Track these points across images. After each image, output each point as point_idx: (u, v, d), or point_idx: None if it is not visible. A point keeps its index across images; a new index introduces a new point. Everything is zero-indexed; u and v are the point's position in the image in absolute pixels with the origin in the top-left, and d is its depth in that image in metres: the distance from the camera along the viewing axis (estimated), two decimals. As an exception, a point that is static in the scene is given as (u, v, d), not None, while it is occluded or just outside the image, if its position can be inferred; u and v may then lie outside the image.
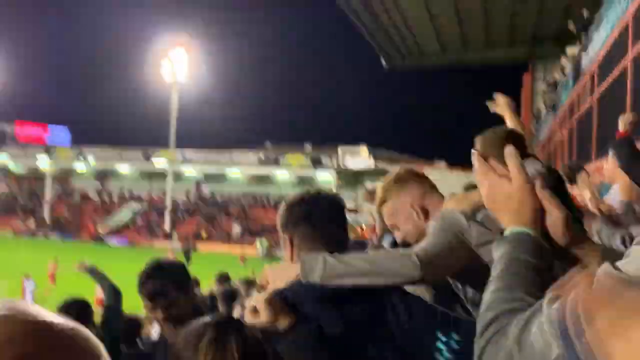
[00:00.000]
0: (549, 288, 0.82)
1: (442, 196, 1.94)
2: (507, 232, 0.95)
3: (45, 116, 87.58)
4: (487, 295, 0.88)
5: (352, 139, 53.29)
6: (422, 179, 1.94)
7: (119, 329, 3.59)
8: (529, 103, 27.75)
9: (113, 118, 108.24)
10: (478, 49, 28.12)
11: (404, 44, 27.74)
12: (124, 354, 3.47)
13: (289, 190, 51.11)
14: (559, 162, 16.37)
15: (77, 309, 3.44)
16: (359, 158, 45.70)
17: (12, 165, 58.14)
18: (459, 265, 1.65)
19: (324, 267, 1.46)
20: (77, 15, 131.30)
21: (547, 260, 0.93)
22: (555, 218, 0.95)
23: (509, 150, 0.97)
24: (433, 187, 1.94)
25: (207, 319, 1.24)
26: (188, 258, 27.41)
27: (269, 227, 47.57)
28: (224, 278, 7.04)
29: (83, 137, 65.57)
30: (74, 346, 0.49)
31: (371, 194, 47.82)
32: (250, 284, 6.50)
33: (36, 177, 57.64)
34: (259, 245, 42.33)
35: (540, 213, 0.95)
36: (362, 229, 37.89)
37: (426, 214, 1.83)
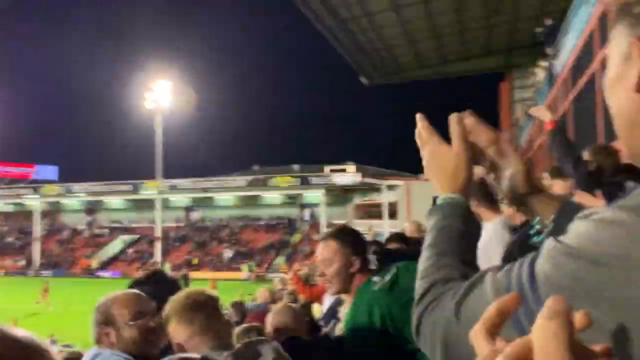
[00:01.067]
0: (476, 253, 0.90)
1: None
2: (440, 200, 0.97)
3: (31, 155, 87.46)
4: (422, 263, 0.90)
5: (339, 158, 53.61)
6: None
7: None
8: (507, 111, 28.29)
9: (100, 152, 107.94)
10: (456, 61, 28.68)
11: (382, 61, 28.23)
12: None
13: (279, 211, 51.28)
14: (540, 166, 16.73)
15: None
16: (347, 175, 46.02)
17: (0, 205, 57.65)
18: None
19: None
20: (59, 50, 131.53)
21: (476, 227, 0.95)
22: (515, 169, 0.97)
23: (453, 117, 0.98)
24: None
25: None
26: (186, 283, 27.27)
27: (260, 249, 47.54)
28: (238, 305, 6.93)
29: (71, 173, 65.47)
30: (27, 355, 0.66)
31: (359, 209, 47.86)
32: (241, 306, 6.68)
33: (24, 214, 57.15)
34: (247, 270, 42.31)
35: (470, 183, 0.97)
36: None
37: None
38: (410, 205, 39.13)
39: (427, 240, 0.91)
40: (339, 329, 2.68)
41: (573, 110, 12.30)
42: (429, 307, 0.81)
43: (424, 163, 1.00)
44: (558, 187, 3.58)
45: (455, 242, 0.88)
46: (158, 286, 2.33)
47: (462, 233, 0.89)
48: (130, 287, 2.36)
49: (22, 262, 50.69)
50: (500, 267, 0.74)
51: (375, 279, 2.16)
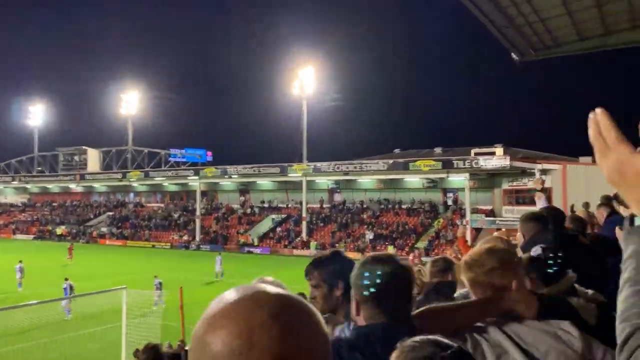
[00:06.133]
0: None
1: None
2: (639, 221, 0.83)
3: (189, 141, 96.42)
4: (623, 301, 0.76)
5: (486, 140, 51.21)
6: None
7: None
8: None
9: (250, 137, 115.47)
10: (622, 31, 25.70)
11: (537, 36, 26.17)
12: None
13: (421, 195, 50.61)
14: None
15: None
16: (494, 158, 43.84)
17: (167, 184, 64.45)
18: None
19: None
20: (212, 42, 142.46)
21: None
22: None
23: None
24: None
25: (432, 345, 1.15)
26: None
27: (401, 232, 47.42)
28: None
29: (225, 158, 70.95)
30: (303, 310, 0.72)
31: (507, 195, 45.38)
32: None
33: (188, 193, 63.35)
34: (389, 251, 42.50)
35: None
36: (500, 231, 36.23)
37: None
38: (566, 190, 36.27)
39: (627, 272, 0.79)
40: None
41: None
42: (634, 353, 0.73)
43: (609, 172, 0.84)
44: None
45: None
46: (339, 265, 2.46)
47: None
48: (315, 265, 2.50)
49: (186, 237, 56.17)
50: None
51: None
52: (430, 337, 1.19)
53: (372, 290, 1.80)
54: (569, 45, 30.47)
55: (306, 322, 0.70)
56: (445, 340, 1.16)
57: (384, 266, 1.83)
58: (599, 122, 0.85)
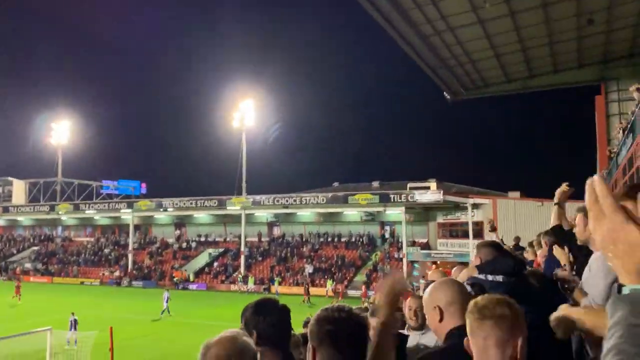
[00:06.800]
0: None
1: None
2: (627, 290, 0.81)
3: (125, 172, 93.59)
4: None
5: (421, 175, 52.81)
6: None
7: None
8: (604, 125, 26.66)
9: (188, 170, 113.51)
10: (544, 74, 27.53)
11: (468, 77, 27.56)
12: None
13: (359, 228, 51.14)
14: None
15: None
16: (429, 193, 45.14)
17: (98, 218, 61.89)
18: None
19: None
20: (149, 71, 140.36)
21: None
22: None
23: None
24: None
25: None
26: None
27: (340, 265, 47.51)
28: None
29: (160, 190, 69.18)
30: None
31: (442, 228, 46.63)
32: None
33: (120, 227, 61.01)
34: (328, 286, 42.46)
35: None
36: (435, 264, 36.94)
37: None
38: (497, 224, 37.75)
39: (613, 339, 0.77)
40: None
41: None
42: None
43: (602, 240, 0.85)
44: None
45: None
46: (255, 315, 2.36)
47: None
48: (241, 314, 2.40)
49: (117, 273, 53.82)
50: None
51: None
52: None
53: (327, 330, 1.85)
54: (497, 86, 32.17)
55: None
56: None
57: (339, 312, 1.92)
58: (595, 189, 0.87)
